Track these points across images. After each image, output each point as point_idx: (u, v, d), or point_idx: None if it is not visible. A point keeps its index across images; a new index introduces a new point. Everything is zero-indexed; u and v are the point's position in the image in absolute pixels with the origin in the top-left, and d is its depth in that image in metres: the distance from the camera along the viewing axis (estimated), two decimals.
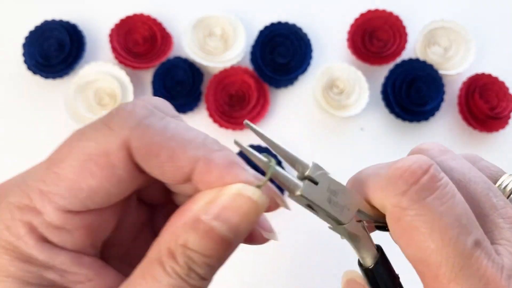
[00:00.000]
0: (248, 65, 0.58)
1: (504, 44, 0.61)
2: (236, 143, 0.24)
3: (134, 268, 0.23)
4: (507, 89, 0.57)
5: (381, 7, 0.59)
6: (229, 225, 0.22)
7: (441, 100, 0.56)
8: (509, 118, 0.56)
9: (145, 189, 0.27)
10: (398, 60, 0.58)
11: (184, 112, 0.57)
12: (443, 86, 0.57)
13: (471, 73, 0.57)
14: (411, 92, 0.56)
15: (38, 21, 0.58)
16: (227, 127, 0.57)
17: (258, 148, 0.53)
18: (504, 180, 0.28)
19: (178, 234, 0.22)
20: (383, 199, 0.25)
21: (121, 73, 0.56)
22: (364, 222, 0.26)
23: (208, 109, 0.57)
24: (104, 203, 0.23)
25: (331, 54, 0.61)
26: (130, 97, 0.56)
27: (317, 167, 0.25)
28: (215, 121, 0.57)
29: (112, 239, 0.26)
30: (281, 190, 0.39)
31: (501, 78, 0.57)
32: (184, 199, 0.25)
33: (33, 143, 0.57)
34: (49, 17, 0.59)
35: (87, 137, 0.23)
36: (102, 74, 0.56)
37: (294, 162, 0.25)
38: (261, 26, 0.58)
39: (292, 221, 0.48)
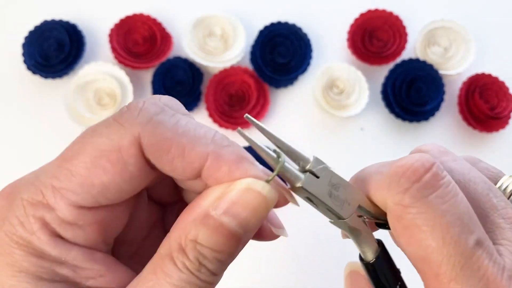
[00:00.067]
0: (248, 65, 0.58)
1: (504, 44, 0.61)
2: (240, 132, 0.24)
3: (145, 266, 0.23)
4: (507, 89, 0.57)
5: (381, 7, 0.59)
6: (239, 220, 0.23)
7: (441, 100, 0.56)
8: (509, 118, 0.56)
9: (155, 187, 0.27)
10: (398, 60, 0.58)
11: None
12: (443, 86, 0.57)
13: (471, 73, 0.57)
14: (411, 92, 0.56)
15: (37, 21, 0.58)
16: (227, 127, 0.56)
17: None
18: (504, 182, 0.28)
19: (188, 229, 0.22)
20: (385, 197, 0.25)
21: (120, 73, 0.56)
22: (365, 217, 0.26)
23: (208, 109, 0.57)
24: (116, 199, 0.24)
25: (331, 54, 0.61)
26: (130, 97, 0.56)
27: (318, 161, 0.25)
28: (215, 121, 0.57)
29: (123, 237, 0.26)
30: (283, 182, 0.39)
31: (501, 78, 0.57)
32: (194, 196, 0.25)
33: (33, 143, 0.57)
34: (48, 17, 0.59)
35: (99, 133, 0.23)
36: (102, 74, 0.56)
37: (295, 156, 0.25)
38: (261, 26, 0.58)
39: (294, 216, 0.48)
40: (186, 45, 0.57)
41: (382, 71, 0.58)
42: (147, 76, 0.59)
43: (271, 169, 0.24)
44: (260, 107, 0.57)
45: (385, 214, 0.26)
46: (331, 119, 0.58)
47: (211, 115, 0.57)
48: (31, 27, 0.58)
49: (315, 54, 0.59)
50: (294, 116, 0.59)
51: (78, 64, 0.58)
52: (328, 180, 0.25)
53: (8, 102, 0.59)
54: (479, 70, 0.58)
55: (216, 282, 0.23)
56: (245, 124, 0.56)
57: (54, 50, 0.57)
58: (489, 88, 0.57)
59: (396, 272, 0.27)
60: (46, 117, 0.58)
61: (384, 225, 0.26)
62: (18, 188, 0.24)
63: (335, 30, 0.61)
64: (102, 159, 0.23)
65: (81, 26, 0.59)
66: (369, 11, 0.59)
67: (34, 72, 0.57)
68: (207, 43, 0.58)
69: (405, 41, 0.58)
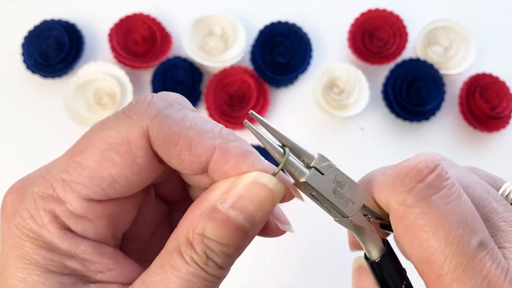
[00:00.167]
0: (248, 64, 0.58)
1: (505, 44, 0.61)
2: (247, 124, 0.24)
3: (151, 263, 0.24)
4: (507, 89, 0.57)
5: (381, 6, 0.59)
6: (246, 214, 0.23)
7: (442, 100, 0.56)
8: (509, 118, 0.56)
9: (163, 184, 0.28)
10: (399, 59, 0.58)
11: None
12: (444, 86, 0.56)
13: (471, 73, 0.57)
14: (412, 92, 0.56)
15: (37, 21, 0.58)
16: (227, 127, 0.56)
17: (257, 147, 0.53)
18: (507, 187, 0.28)
19: (195, 223, 0.23)
20: (388, 197, 0.25)
21: (120, 73, 0.56)
22: (370, 217, 0.26)
23: (208, 108, 0.57)
24: (125, 192, 0.24)
25: (331, 54, 0.60)
26: (130, 97, 0.56)
27: (323, 158, 0.25)
28: (214, 120, 0.56)
29: (130, 234, 0.26)
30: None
31: (501, 78, 0.57)
32: (200, 194, 0.25)
33: (33, 142, 0.57)
34: (48, 17, 0.58)
35: (108, 127, 0.24)
36: (102, 74, 0.56)
37: (300, 152, 0.25)
38: (261, 26, 0.58)
39: (298, 212, 0.47)
40: (186, 45, 0.57)
41: (383, 71, 0.58)
42: (147, 75, 0.59)
43: (277, 165, 0.24)
44: (260, 107, 0.57)
45: (388, 215, 0.26)
46: (331, 119, 0.58)
47: (211, 115, 0.57)
48: (30, 26, 0.58)
49: (315, 53, 0.59)
50: (294, 116, 0.59)
51: (77, 64, 0.58)
52: (333, 178, 0.25)
53: (8, 102, 0.58)
54: (480, 70, 0.58)
55: (223, 276, 0.23)
56: (247, 119, 0.56)
57: (53, 49, 0.57)
58: (489, 88, 0.57)
59: (401, 271, 0.26)
60: (46, 116, 0.58)
61: (389, 226, 0.26)
62: (28, 182, 0.24)
63: (335, 30, 0.60)
64: (111, 152, 0.23)
65: (80, 25, 0.59)
66: (370, 11, 0.59)
67: (33, 72, 0.57)
68: (207, 43, 0.58)
69: (406, 40, 0.58)
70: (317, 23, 0.61)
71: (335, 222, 0.26)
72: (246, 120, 0.25)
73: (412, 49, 0.59)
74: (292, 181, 0.25)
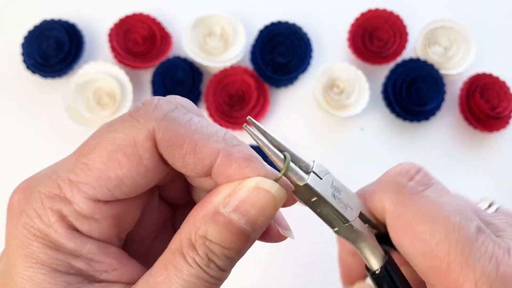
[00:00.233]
0: (248, 64, 0.58)
1: (505, 44, 0.61)
2: (247, 129, 0.25)
3: (154, 263, 0.24)
4: (507, 89, 0.57)
5: (381, 6, 0.59)
6: (248, 218, 0.23)
7: (442, 100, 0.56)
8: (509, 118, 0.56)
9: (167, 187, 0.28)
10: (399, 59, 0.58)
11: None
12: (444, 85, 0.56)
13: (471, 73, 0.57)
14: (412, 92, 0.56)
15: (37, 21, 0.58)
16: (227, 127, 0.56)
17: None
18: (483, 202, 0.29)
19: (198, 225, 0.23)
20: (382, 201, 0.26)
21: (120, 73, 0.56)
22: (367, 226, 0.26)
23: (208, 108, 0.57)
24: (131, 192, 0.24)
25: (331, 54, 0.60)
26: (130, 97, 0.56)
27: (319, 165, 0.25)
28: (214, 120, 0.56)
29: (134, 235, 0.27)
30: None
31: (501, 78, 0.57)
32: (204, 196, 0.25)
33: (32, 142, 0.57)
34: (48, 17, 0.58)
35: (114, 128, 0.24)
36: (101, 74, 0.56)
37: (297, 160, 0.25)
38: (261, 26, 0.58)
39: (298, 215, 0.48)
40: (186, 45, 0.57)
41: (383, 71, 0.58)
42: (147, 75, 0.59)
43: (275, 168, 0.25)
44: (260, 107, 0.57)
45: (384, 224, 0.26)
46: (331, 119, 0.58)
47: (211, 115, 0.57)
48: (30, 26, 0.58)
49: (315, 53, 0.59)
50: (294, 116, 0.59)
51: (77, 64, 0.58)
52: (330, 183, 0.25)
53: (8, 101, 0.58)
54: (480, 70, 0.58)
55: (224, 278, 0.24)
56: (246, 123, 0.56)
57: (53, 49, 0.57)
58: (489, 88, 0.57)
59: (404, 280, 0.26)
60: (46, 116, 0.58)
61: (384, 239, 0.26)
62: (35, 182, 0.24)
63: (335, 30, 0.60)
64: (118, 153, 0.23)
65: (80, 25, 0.59)
66: (370, 11, 0.59)
67: (33, 72, 0.57)
68: (207, 43, 0.58)
69: (406, 40, 0.58)
70: (317, 23, 0.61)
71: (331, 234, 0.26)
72: (245, 124, 0.25)
73: (412, 49, 0.59)
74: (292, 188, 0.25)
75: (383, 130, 0.58)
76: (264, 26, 0.58)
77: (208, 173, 0.24)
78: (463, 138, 0.58)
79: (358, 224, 0.25)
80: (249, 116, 0.25)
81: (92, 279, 0.24)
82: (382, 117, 0.58)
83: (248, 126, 0.25)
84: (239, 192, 0.23)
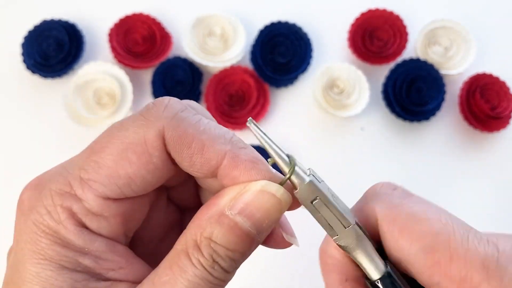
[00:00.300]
0: (248, 64, 0.58)
1: (505, 44, 0.61)
2: (251, 125, 0.25)
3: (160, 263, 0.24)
4: (507, 89, 0.57)
5: (381, 6, 0.59)
6: (253, 221, 0.23)
7: (442, 100, 0.56)
8: (509, 118, 0.56)
9: (176, 189, 0.28)
10: (399, 59, 0.58)
11: None
12: (444, 85, 0.56)
13: (471, 73, 0.57)
14: (412, 92, 0.56)
15: (37, 21, 0.58)
16: (227, 127, 0.56)
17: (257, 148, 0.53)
18: None
19: (203, 227, 0.23)
20: (374, 209, 0.26)
21: (120, 73, 0.56)
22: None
23: (208, 108, 0.57)
24: (140, 190, 0.25)
25: (331, 54, 0.60)
26: (130, 97, 0.56)
27: (314, 172, 0.25)
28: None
29: (141, 235, 0.27)
30: None
31: (501, 78, 0.57)
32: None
33: (32, 142, 0.57)
34: (48, 17, 0.58)
35: (125, 127, 0.24)
36: (101, 74, 0.56)
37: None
38: (261, 26, 0.58)
39: (300, 216, 0.48)
40: (186, 45, 0.57)
41: (383, 71, 0.58)
42: (147, 75, 0.59)
43: (278, 170, 0.25)
44: (260, 107, 0.57)
45: (375, 239, 0.26)
46: (331, 119, 0.58)
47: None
48: (30, 26, 0.58)
49: (315, 53, 0.59)
50: (294, 116, 0.58)
51: (77, 64, 0.58)
52: (327, 188, 0.25)
53: (8, 101, 0.58)
54: (480, 70, 0.57)
55: (228, 279, 0.24)
56: (245, 124, 0.56)
57: (53, 49, 0.57)
58: (490, 88, 0.57)
59: (409, 282, 0.26)
60: (46, 116, 0.58)
61: (377, 251, 0.26)
62: (46, 179, 0.24)
63: (335, 30, 0.60)
64: (129, 152, 0.24)
65: (80, 25, 0.59)
66: (370, 11, 0.59)
67: (33, 72, 0.57)
68: (207, 43, 0.58)
69: (406, 40, 0.58)
70: (317, 23, 0.61)
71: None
72: (250, 120, 0.25)
73: (412, 49, 0.59)
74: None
75: (383, 130, 0.58)
76: (264, 26, 0.58)
77: (215, 174, 0.25)
78: (463, 138, 0.58)
79: (358, 228, 0.25)
80: (250, 118, 0.25)
81: (98, 277, 0.24)
82: (382, 117, 0.58)
83: (252, 124, 0.25)
84: (245, 195, 0.24)
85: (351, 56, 0.59)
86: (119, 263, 0.24)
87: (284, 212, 0.25)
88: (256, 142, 0.27)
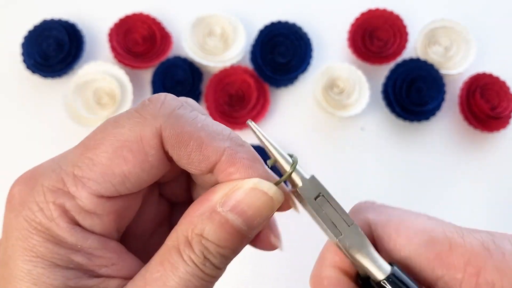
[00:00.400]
0: (248, 64, 0.58)
1: (505, 44, 0.61)
2: (252, 124, 0.25)
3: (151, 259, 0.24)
4: (507, 88, 0.57)
5: (381, 6, 0.59)
6: (244, 218, 0.23)
7: (442, 99, 0.56)
8: (509, 118, 0.56)
9: (168, 184, 0.28)
10: (399, 59, 0.58)
11: None
12: (444, 85, 0.56)
13: (471, 72, 0.57)
14: (412, 92, 0.56)
15: (37, 21, 0.58)
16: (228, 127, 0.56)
17: (256, 148, 0.53)
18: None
19: (195, 223, 0.23)
20: (366, 216, 0.27)
21: (120, 73, 0.56)
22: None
23: (208, 108, 0.57)
24: (134, 188, 0.24)
25: (331, 54, 0.60)
26: (130, 97, 0.56)
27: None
28: (214, 120, 0.56)
29: (132, 230, 0.27)
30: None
31: (502, 78, 0.57)
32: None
33: (32, 142, 0.57)
34: (48, 17, 0.58)
35: (121, 124, 0.24)
36: (101, 74, 0.56)
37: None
38: (261, 26, 0.58)
39: (299, 217, 0.48)
40: (186, 45, 0.57)
41: (383, 71, 0.58)
42: (147, 75, 0.59)
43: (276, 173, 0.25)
44: (260, 107, 0.57)
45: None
46: (331, 119, 0.58)
47: (211, 115, 0.56)
48: (30, 26, 0.58)
49: (315, 53, 0.59)
50: (294, 116, 0.58)
51: (77, 64, 0.58)
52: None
53: (8, 101, 0.58)
54: (480, 70, 0.57)
55: (219, 275, 0.24)
56: (245, 124, 0.56)
57: (53, 49, 0.57)
58: (490, 88, 0.56)
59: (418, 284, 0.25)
60: (46, 116, 0.58)
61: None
62: (38, 174, 0.24)
63: (336, 30, 0.60)
64: (124, 150, 0.23)
65: (80, 25, 0.59)
66: (370, 11, 0.59)
67: (33, 72, 0.57)
68: (207, 43, 0.58)
69: (406, 40, 0.58)
70: (317, 23, 0.61)
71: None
72: (250, 121, 0.25)
73: (412, 49, 0.59)
74: (290, 193, 0.25)
75: (383, 130, 0.58)
76: (264, 26, 0.58)
77: (212, 170, 0.24)
78: (463, 138, 0.58)
79: (359, 227, 0.25)
80: (249, 120, 0.26)
81: (91, 274, 0.24)
82: (382, 117, 0.58)
83: (253, 124, 0.25)
84: (237, 192, 0.24)
85: (351, 56, 0.59)
86: (111, 259, 0.24)
87: (275, 210, 0.24)
88: (255, 142, 0.27)
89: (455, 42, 0.58)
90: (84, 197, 0.23)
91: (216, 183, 0.25)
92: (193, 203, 0.25)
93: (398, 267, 0.25)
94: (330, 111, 0.56)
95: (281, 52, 0.58)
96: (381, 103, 0.57)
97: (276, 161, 0.25)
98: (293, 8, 0.61)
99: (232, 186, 0.24)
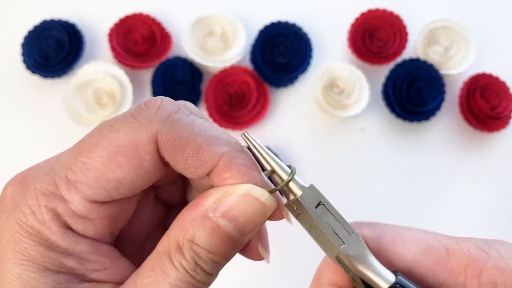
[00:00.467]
0: (248, 64, 0.58)
1: (505, 44, 0.61)
2: (245, 136, 0.25)
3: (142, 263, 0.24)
4: (507, 89, 0.57)
5: (381, 6, 0.59)
6: (236, 224, 0.23)
7: (442, 100, 0.56)
8: (509, 118, 0.56)
9: (164, 187, 0.28)
10: (399, 59, 0.58)
11: None
12: (444, 85, 0.56)
13: (471, 73, 0.57)
14: (412, 92, 0.56)
15: (37, 21, 0.58)
16: (226, 127, 0.56)
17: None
18: None
19: (186, 228, 0.23)
20: (361, 231, 0.27)
21: (120, 73, 0.56)
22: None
23: (208, 108, 0.57)
24: (128, 193, 0.24)
25: (331, 54, 0.60)
26: (130, 97, 0.56)
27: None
28: (214, 121, 0.56)
29: (127, 234, 0.27)
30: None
31: (501, 78, 0.57)
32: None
33: (32, 142, 0.57)
34: (48, 17, 0.58)
35: (116, 128, 0.24)
36: (101, 74, 0.56)
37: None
38: (261, 26, 0.58)
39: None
40: (186, 45, 0.57)
41: (383, 71, 0.58)
42: (147, 75, 0.59)
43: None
44: (260, 107, 0.57)
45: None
46: (331, 119, 0.58)
47: (211, 115, 0.56)
48: (30, 26, 0.58)
49: (315, 53, 0.59)
50: (294, 116, 0.58)
51: (77, 64, 0.58)
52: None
53: (7, 101, 0.58)
54: (480, 70, 0.57)
55: (210, 282, 0.24)
56: (245, 124, 0.56)
57: (53, 49, 0.57)
58: (490, 88, 0.56)
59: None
60: (45, 116, 0.58)
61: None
62: (31, 176, 0.24)
63: (335, 30, 0.60)
64: (118, 155, 0.23)
65: (80, 25, 0.59)
66: (370, 11, 0.59)
67: (33, 72, 0.57)
68: (207, 43, 0.58)
69: (406, 40, 0.58)
70: (317, 23, 0.61)
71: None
72: (245, 133, 0.25)
73: (412, 49, 0.59)
74: (283, 204, 0.25)
75: (383, 130, 0.58)
76: (264, 26, 0.58)
77: (209, 175, 0.24)
78: (463, 138, 0.58)
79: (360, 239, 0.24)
80: (244, 132, 0.25)
81: (82, 278, 0.23)
82: (382, 117, 0.58)
83: (248, 136, 0.25)
84: (229, 197, 0.23)
85: (351, 56, 0.59)
86: (103, 264, 0.24)
87: (268, 216, 0.24)
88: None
89: (455, 42, 0.58)
90: (76, 202, 0.23)
91: (212, 187, 0.25)
92: (185, 208, 0.24)
93: (402, 275, 0.24)
94: (330, 111, 0.56)
95: (281, 52, 0.58)
96: (381, 103, 0.57)
97: (273, 171, 0.24)
98: (293, 8, 0.61)
99: (224, 191, 0.23)
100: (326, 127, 0.58)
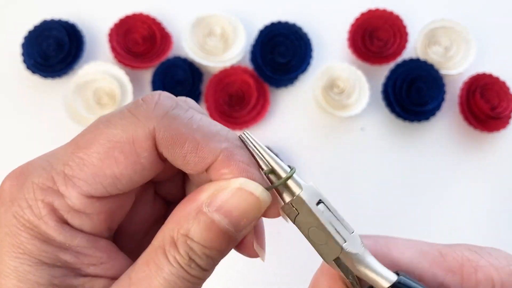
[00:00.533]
0: (248, 64, 0.58)
1: (505, 44, 0.61)
2: (244, 136, 0.24)
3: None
4: (507, 89, 0.57)
5: (381, 6, 0.59)
6: (230, 219, 0.23)
7: (442, 100, 0.56)
8: (509, 118, 0.56)
9: (164, 183, 0.28)
10: (399, 59, 0.58)
11: None
12: (444, 86, 0.56)
13: (471, 73, 0.57)
14: (412, 92, 0.56)
15: (37, 21, 0.58)
16: (226, 127, 0.56)
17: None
18: None
19: (181, 223, 0.23)
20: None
21: (120, 73, 0.56)
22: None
23: (208, 108, 0.57)
24: (125, 189, 0.24)
25: (332, 54, 0.60)
26: (130, 97, 0.56)
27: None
28: (214, 120, 0.56)
29: (126, 229, 0.27)
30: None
31: (501, 78, 0.57)
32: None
33: (32, 142, 0.57)
34: (48, 17, 0.58)
35: (113, 124, 0.23)
36: (101, 74, 0.56)
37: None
38: (261, 26, 0.58)
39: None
40: (186, 45, 0.57)
41: (383, 71, 0.58)
42: (147, 76, 0.59)
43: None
44: (260, 107, 0.57)
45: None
46: (331, 119, 0.58)
47: (211, 115, 0.57)
48: (30, 26, 0.58)
49: (315, 53, 0.59)
50: (294, 116, 0.58)
51: (77, 64, 0.58)
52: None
53: (7, 101, 0.58)
54: (480, 70, 0.57)
55: (206, 277, 0.24)
56: (245, 124, 0.56)
57: (53, 49, 0.57)
58: (490, 88, 0.56)
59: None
60: (46, 116, 0.58)
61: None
62: (29, 171, 0.24)
63: (335, 30, 0.60)
64: (116, 151, 0.23)
65: (80, 25, 0.59)
66: (370, 11, 0.59)
67: (33, 72, 0.57)
68: (207, 43, 0.58)
69: (406, 40, 0.58)
70: (317, 23, 0.61)
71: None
72: (244, 132, 0.25)
73: (412, 49, 0.59)
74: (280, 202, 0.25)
75: (383, 130, 0.58)
76: (264, 26, 0.58)
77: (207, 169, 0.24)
78: (463, 138, 0.58)
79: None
80: (243, 132, 0.25)
81: (77, 272, 0.23)
82: (382, 117, 0.58)
83: (247, 135, 0.24)
84: (223, 192, 0.23)
85: (351, 56, 0.59)
86: (100, 258, 0.24)
87: (262, 211, 0.24)
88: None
89: (455, 42, 0.58)
90: (73, 197, 0.23)
91: (209, 181, 0.24)
92: (180, 203, 0.24)
93: (404, 274, 0.24)
94: (330, 111, 0.56)
95: (281, 52, 0.58)
96: (381, 103, 0.57)
97: (272, 171, 0.24)
98: (293, 8, 0.61)
99: (219, 185, 0.23)
100: (326, 127, 0.58)
